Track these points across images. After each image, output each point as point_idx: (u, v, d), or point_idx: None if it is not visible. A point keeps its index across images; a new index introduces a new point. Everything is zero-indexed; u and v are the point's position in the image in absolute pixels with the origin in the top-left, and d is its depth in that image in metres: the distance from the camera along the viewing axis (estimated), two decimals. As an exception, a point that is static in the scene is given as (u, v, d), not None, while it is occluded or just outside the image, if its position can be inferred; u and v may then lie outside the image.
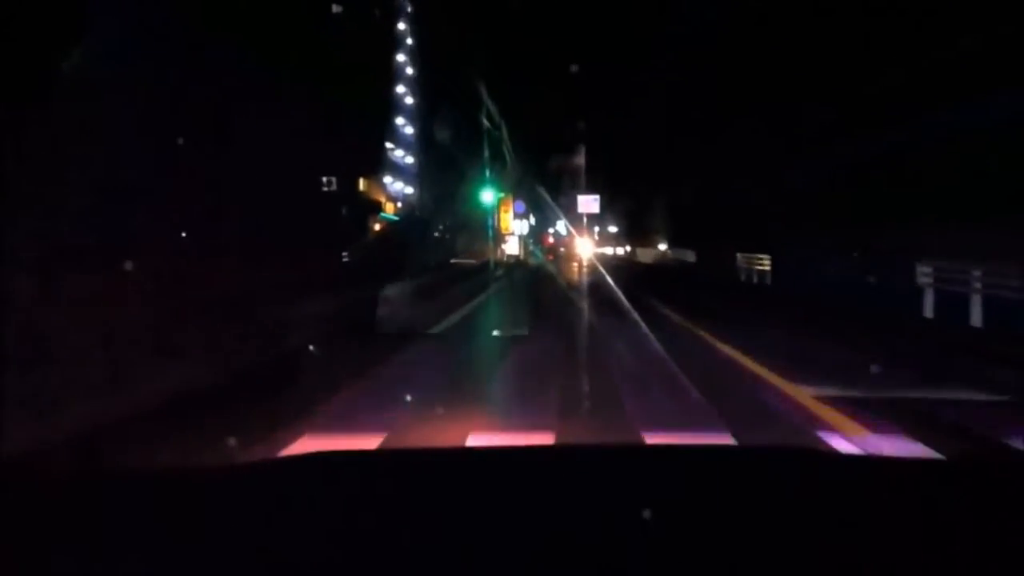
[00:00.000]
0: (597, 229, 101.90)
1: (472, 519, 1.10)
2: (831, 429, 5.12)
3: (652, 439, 4.40)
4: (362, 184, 40.64)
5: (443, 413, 5.65)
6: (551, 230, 79.83)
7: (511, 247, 41.57)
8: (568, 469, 1.43)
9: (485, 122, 37.64)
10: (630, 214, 62.16)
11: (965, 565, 0.92)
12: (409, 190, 50.53)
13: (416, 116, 50.98)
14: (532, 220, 73.50)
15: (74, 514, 1.11)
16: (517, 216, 40.33)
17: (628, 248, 65.00)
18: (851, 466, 1.72)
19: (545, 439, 4.53)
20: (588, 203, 72.77)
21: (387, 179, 45.06)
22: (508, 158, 43.79)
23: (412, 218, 39.86)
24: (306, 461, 1.68)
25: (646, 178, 56.11)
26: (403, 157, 49.48)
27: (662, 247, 63.46)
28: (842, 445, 4.52)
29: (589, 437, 4.75)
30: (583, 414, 5.65)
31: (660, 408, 6.13)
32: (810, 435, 4.87)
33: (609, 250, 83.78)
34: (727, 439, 4.64)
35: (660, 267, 34.80)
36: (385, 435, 4.82)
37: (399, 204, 42.36)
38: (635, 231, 64.67)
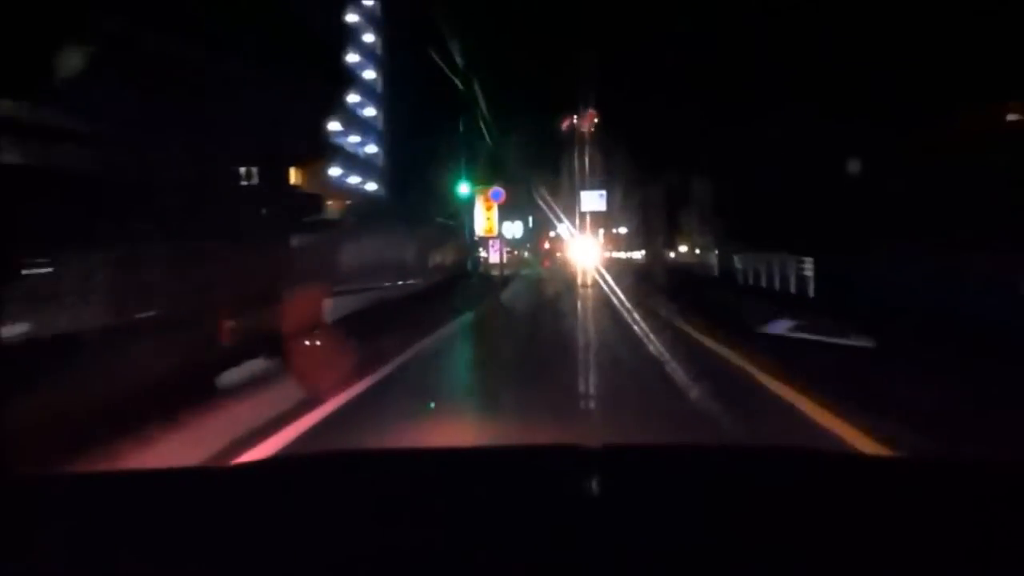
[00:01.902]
0: (602, 231, 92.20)
1: (472, 519, 1.09)
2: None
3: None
4: (297, 176, 30.88)
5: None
6: (552, 233, 70.45)
7: (493, 256, 31.63)
8: (568, 469, 1.43)
9: (456, 80, 27.86)
10: (646, 211, 52.25)
11: (966, 564, 0.91)
12: (372, 186, 40.73)
13: (378, 96, 41.18)
14: (531, 223, 63.78)
15: (74, 514, 1.10)
16: (492, 204, 30.26)
17: (643, 252, 54.88)
18: (851, 466, 1.71)
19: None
20: (593, 200, 63.05)
21: (336, 170, 35.25)
22: (487, 136, 33.81)
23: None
24: (306, 461, 1.69)
25: (666, 167, 46.44)
26: (360, 144, 39.66)
27: (682, 249, 53.58)
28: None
29: None
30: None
31: None
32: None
33: (620, 254, 73.93)
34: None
35: (753, 292, 17.04)
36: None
37: (348, 202, 32.58)
38: (650, 232, 54.75)
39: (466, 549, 0.95)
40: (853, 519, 1.07)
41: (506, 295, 18.11)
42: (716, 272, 22.10)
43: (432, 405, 5.41)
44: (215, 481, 1.43)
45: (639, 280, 20.09)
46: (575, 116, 45.11)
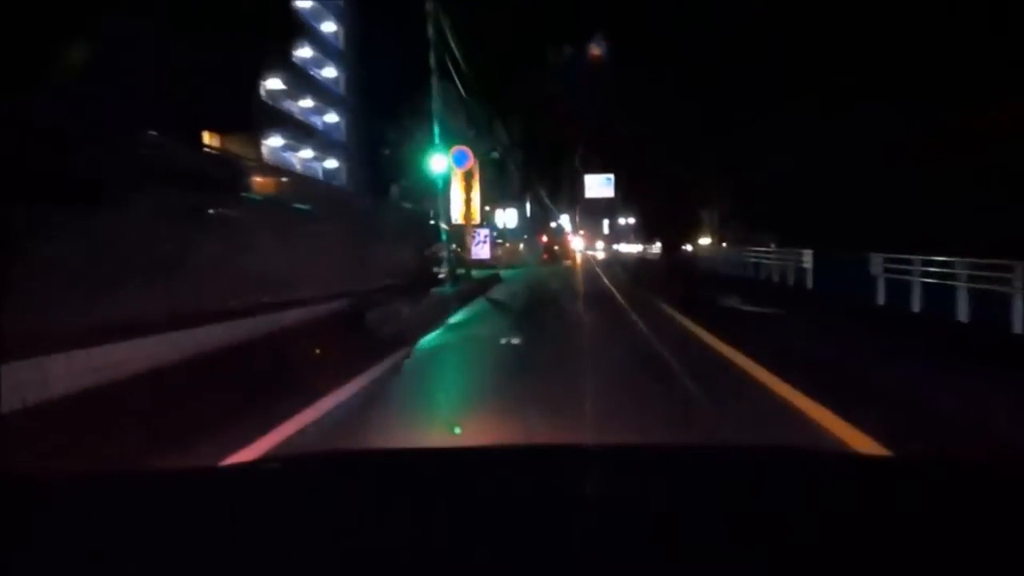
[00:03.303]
0: (607, 222, 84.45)
1: (471, 519, 1.10)
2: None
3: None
4: (214, 143, 23.74)
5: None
6: (552, 224, 63.46)
7: (477, 251, 24.24)
8: (568, 469, 1.44)
9: (427, 35, 20.92)
10: (660, 198, 44.91)
11: (965, 565, 0.92)
12: (332, 163, 33.45)
13: (340, 53, 33.80)
14: (528, 211, 56.38)
15: (74, 514, 1.12)
16: (473, 184, 23.01)
17: (658, 246, 47.67)
18: (852, 466, 1.67)
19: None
20: (598, 185, 55.38)
21: (276, 141, 28.02)
22: (470, 102, 26.75)
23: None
24: (304, 461, 1.68)
25: (685, 147, 39.34)
26: (315, 112, 32.36)
27: (703, 242, 46.65)
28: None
29: None
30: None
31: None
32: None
33: (626, 247, 66.62)
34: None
35: None
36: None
37: (283, 180, 25.28)
38: (662, 223, 47.40)
39: (466, 549, 0.96)
40: (854, 519, 1.07)
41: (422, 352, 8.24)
42: (809, 283, 14.04)
43: None
44: (214, 481, 1.41)
45: (693, 298, 12.41)
46: (584, 45, 37.57)
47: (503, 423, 4.80)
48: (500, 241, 37.89)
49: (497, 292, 16.72)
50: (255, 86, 24.90)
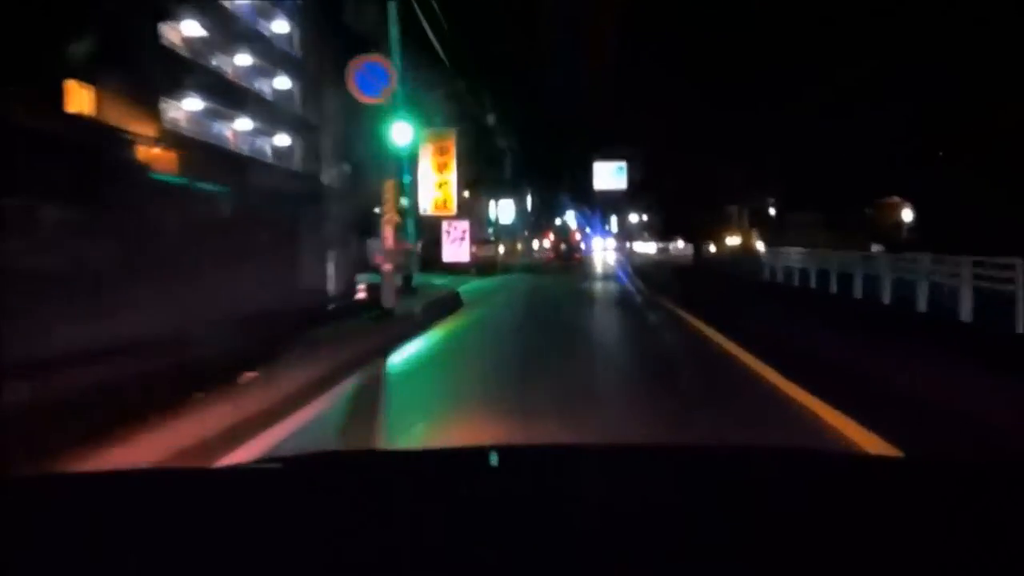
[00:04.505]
0: (615, 218, 77.67)
1: (472, 519, 1.09)
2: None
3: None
4: (85, 100, 17.17)
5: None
6: (557, 221, 57.24)
7: (451, 251, 17.70)
8: (569, 469, 1.44)
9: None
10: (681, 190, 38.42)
11: (966, 565, 0.91)
12: (284, 140, 27.05)
13: (296, 5, 27.39)
14: (528, 204, 49.72)
15: (74, 514, 1.11)
16: (447, 161, 16.64)
17: (681, 244, 41.40)
18: (854, 467, 1.69)
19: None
20: (608, 174, 48.71)
21: (195, 104, 21.63)
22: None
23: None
24: (304, 461, 1.67)
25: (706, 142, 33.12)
26: (262, 74, 25.96)
27: (731, 242, 40.51)
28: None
29: None
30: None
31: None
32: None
33: (641, 247, 60.33)
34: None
35: None
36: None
37: (187, 152, 18.93)
38: (689, 219, 40.93)
39: (466, 549, 0.95)
40: (856, 520, 1.05)
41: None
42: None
43: None
44: (215, 481, 1.40)
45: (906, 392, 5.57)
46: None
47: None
48: (493, 239, 31.50)
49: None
50: (153, 24, 18.41)
